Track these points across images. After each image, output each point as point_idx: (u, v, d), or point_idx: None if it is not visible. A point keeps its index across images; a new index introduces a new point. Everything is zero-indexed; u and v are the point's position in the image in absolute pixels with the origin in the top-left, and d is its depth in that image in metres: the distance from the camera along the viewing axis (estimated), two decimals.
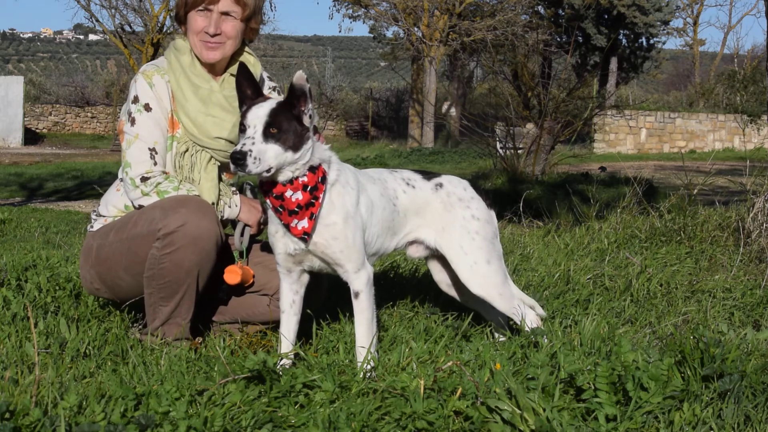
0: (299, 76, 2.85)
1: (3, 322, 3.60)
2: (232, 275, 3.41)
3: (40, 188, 14.97)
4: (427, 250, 3.32)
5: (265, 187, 2.94)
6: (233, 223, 3.56)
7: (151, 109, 3.40)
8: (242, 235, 3.52)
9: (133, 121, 3.39)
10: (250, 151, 2.78)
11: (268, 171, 2.83)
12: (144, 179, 3.36)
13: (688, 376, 2.74)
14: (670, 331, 3.57)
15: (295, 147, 2.86)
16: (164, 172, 3.40)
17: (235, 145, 3.47)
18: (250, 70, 2.98)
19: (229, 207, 3.48)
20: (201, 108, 3.42)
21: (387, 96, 40.40)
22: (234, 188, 3.55)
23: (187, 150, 3.43)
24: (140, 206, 3.39)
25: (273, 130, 2.82)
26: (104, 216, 3.56)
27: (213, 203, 3.40)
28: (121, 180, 3.48)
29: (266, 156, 2.80)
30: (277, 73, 50.30)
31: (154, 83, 3.42)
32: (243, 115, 2.88)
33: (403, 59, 34.17)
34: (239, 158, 2.76)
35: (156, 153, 3.38)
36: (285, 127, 2.83)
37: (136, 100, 3.41)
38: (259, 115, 2.83)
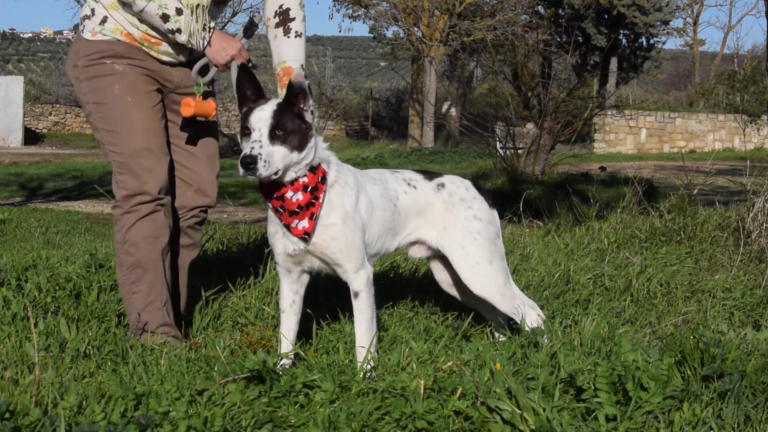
0: (297, 74, 2.87)
1: (3, 322, 3.60)
2: (185, 108, 3.36)
3: (40, 188, 14.94)
4: (429, 250, 3.32)
5: (266, 188, 2.93)
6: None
7: None
8: (208, 70, 3.43)
9: None
10: (260, 154, 2.77)
11: (276, 174, 2.83)
12: None
13: (688, 376, 2.75)
14: (670, 331, 3.57)
15: (300, 147, 2.87)
16: None
17: None
18: (251, 71, 2.97)
19: (201, 39, 3.34)
20: None
21: (387, 96, 40.32)
22: (213, 24, 3.39)
23: None
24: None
25: (279, 132, 2.82)
26: (100, 10, 3.38)
27: (202, 5, 3.30)
28: None
29: (274, 158, 2.81)
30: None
31: None
32: (245, 118, 2.88)
33: (403, 59, 34.11)
34: (250, 162, 2.76)
35: None
36: (290, 127, 2.84)
37: None
38: (263, 117, 2.83)
